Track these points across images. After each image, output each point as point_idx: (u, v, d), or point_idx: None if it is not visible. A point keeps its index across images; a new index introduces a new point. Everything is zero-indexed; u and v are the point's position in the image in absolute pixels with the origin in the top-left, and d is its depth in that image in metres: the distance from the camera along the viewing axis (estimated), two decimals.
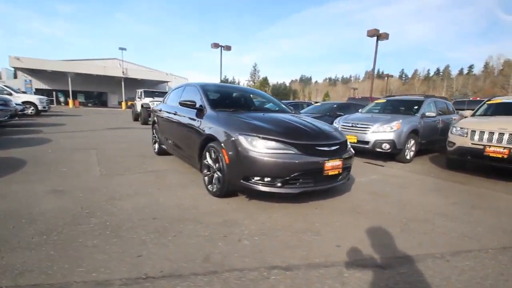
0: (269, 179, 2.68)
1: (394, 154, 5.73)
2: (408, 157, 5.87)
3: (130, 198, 3.00)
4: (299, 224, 2.54)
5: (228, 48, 22.49)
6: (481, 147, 4.44)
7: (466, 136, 4.69)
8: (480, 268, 1.94)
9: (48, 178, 3.58)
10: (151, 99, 13.59)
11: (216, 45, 22.07)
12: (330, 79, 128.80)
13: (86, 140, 7.14)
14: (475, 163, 4.69)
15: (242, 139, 2.74)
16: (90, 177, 3.77)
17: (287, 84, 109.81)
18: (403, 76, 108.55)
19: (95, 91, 40.94)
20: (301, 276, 1.76)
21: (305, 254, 2.02)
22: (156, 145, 5.43)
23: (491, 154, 4.32)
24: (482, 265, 1.97)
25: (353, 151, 3.35)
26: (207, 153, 3.24)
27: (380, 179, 4.40)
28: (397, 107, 6.92)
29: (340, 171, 2.96)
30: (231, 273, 1.75)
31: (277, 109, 4.27)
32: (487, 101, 5.83)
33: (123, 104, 34.77)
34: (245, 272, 1.77)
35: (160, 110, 5.17)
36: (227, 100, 4.21)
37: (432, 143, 6.75)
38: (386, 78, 41.23)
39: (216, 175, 3.11)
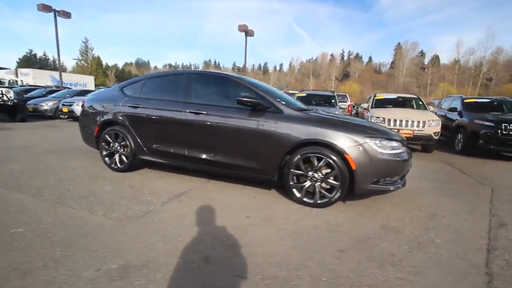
0: (388, 178, 2.78)
1: None
2: None
3: (259, 245, 2.13)
4: (427, 223, 2.76)
5: (67, 15, 16.66)
6: (396, 130, 6.39)
7: (384, 123, 6.56)
8: None
9: (42, 253, 1.76)
10: None
11: (46, 8, 15.67)
12: (170, 65, 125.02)
13: None
14: None
15: (371, 142, 2.63)
16: (108, 230, 2.19)
17: (120, 67, 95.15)
18: (235, 68, 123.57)
19: None
20: None
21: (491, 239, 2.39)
22: (119, 157, 3.70)
23: (402, 135, 6.34)
24: None
25: None
26: (301, 161, 2.78)
27: None
28: (318, 100, 8.31)
29: None
30: None
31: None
32: (374, 97, 8.27)
33: None
34: None
35: (135, 107, 3.52)
36: (282, 97, 3.50)
37: None
38: (238, 70, 45.50)
39: (320, 184, 2.78)
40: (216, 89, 3.32)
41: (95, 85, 34.36)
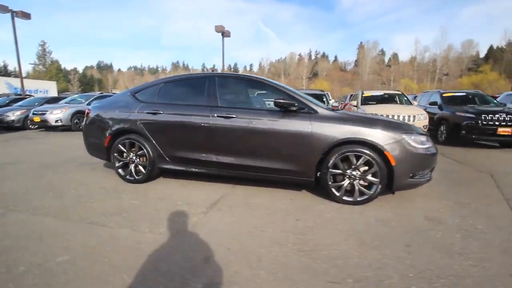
0: (421, 171, 2.91)
1: None
2: None
3: (327, 247, 2.11)
4: (460, 211, 3.04)
5: (26, 15, 15.17)
6: None
7: None
8: None
9: (109, 281, 1.58)
10: None
11: (3, 9, 14.08)
12: (135, 67, 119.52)
13: None
14: None
15: (407, 138, 2.74)
16: (167, 246, 2.04)
17: (80, 71, 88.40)
18: (205, 69, 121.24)
19: None
20: None
21: None
22: (135, 168, 3.47)
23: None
24: None
25: None
26: (339, 160, 2.82)
27: None
28: None
29: None
30: None
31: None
32: (362, 94, 8.63)
33: None
34: None
35: (154, 113, 3.30)
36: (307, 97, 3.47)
37: None
38: (212, 71, 45.07)
39: (358, 181, 2.83)
40: (242, 92, 3.25)
41: (58, 91, 31.75)
